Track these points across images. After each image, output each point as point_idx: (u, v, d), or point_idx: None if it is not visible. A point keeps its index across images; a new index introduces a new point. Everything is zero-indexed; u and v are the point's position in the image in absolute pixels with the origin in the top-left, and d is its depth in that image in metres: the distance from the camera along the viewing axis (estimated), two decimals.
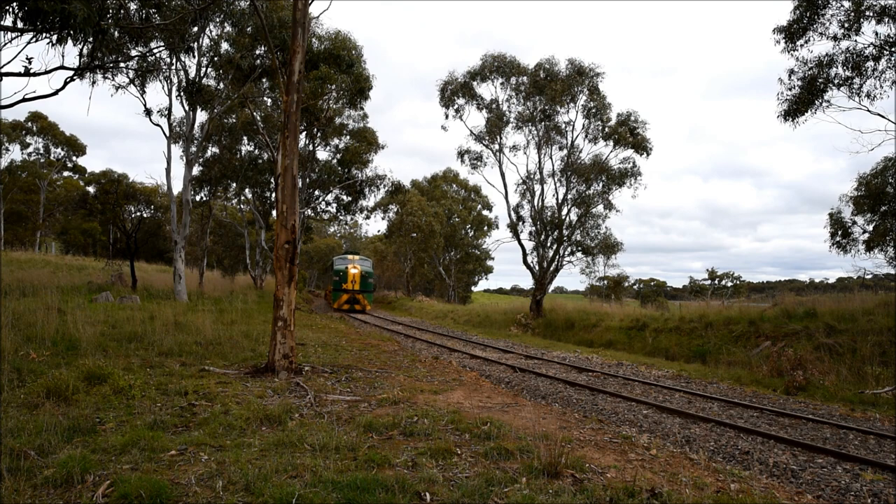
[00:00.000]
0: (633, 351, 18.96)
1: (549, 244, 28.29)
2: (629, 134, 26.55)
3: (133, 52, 17.64)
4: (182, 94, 21.20)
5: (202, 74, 21.42)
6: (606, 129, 27.30)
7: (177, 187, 36.09)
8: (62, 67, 13.68)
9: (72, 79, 14.71)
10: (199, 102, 21.73)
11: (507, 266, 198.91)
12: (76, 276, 24.82)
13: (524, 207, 29.72)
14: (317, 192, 32.16)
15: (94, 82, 16.07)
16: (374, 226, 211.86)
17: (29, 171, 46.80)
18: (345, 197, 33.03)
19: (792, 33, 17.14)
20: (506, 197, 30.41)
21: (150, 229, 46.77)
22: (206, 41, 21.23)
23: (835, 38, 16.60)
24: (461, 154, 31.35)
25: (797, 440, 6.95)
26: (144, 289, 22.23)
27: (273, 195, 30.52)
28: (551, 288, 29.83)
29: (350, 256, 34.88)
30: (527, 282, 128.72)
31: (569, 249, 28.44)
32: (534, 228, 28.55)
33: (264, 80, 23.57)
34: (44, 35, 12.21)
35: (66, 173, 53.20)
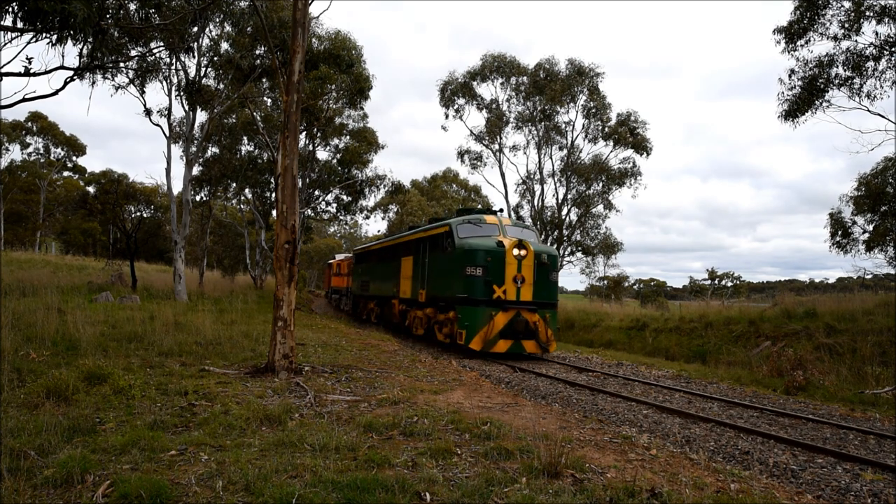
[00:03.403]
0: (633, 351, 18.97)
1: (549, 244, 28.32)
2: (629, 134, 26.58)
3: (133, 52, 17.68)
4: (182, 94, 21.22)
5: (202, 74, 21.44)
6: (606, 129, 27.33)
7: (177, 187, 36.11)
8: (62, 67, 13.70)
9: (72, 79, 14.73)
10: (199, 102, 21.74)
11: None
12: (76, 276, 24.82)
13: (524, 207, 29.80)
14: (317, 192, 32.15)
15: (93, 82, 16.11)
16: (374, 226, 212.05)
17: (29, 171, 46.85)
18: (345, 197, 33.01)
19: (792, 34, 17.18)
20: (506, 197, 30.47)
21: (150, 229, 46.76)
22: (205, 41, 21.26)
23: (835, 38, 16.64)
24: (461, 154, 31.44)
25: (797, 440, 6.95)
26: (144, 289, 22.23)
27: (273, 195, 30.46)
28: None
29: (489, 218, 15.09)
30: None
31: (569, 249, 28.50)
32: None
33: (264, 80, 23.58)
34: (44, 35, 12.22)
35: (66, 173, 53.28)
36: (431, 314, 15.75)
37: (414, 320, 17.27)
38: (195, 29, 19.67)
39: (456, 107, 30.24)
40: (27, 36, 12.49)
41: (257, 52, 21.88)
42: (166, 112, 22.12)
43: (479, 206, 25.30)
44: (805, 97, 17.15)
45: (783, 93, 17.60)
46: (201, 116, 24.16)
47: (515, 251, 13.38)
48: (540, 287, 13.70)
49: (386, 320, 20.69)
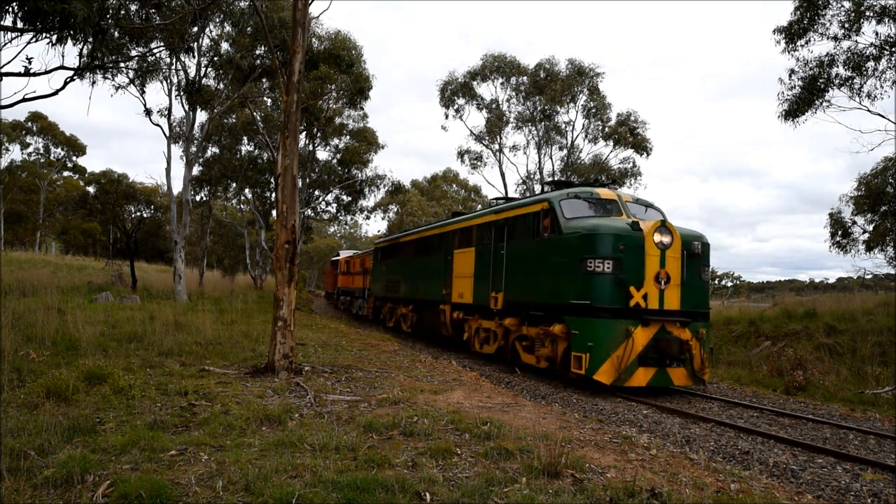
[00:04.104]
0: None
1: None
2: (629, 134, 26.59)
3: (133, 53, 17.68)
4: (182, 94, 21.23)
5: (202, 74, 21.45)
6: (606, 129, 27.35)
7: (177, 187, 36.05)
8: (62, 67, 13.70)
9: (72, 79, 14.73)
10: (199, 102, 21.75)
11: None
12: (76, 276, 24.82)
13: None
14: (317, 192, 32.16)
15: (93, 82, 16.12)
16: (374, 226, 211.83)
17: (29, 171, 46.92)
18: (345, 197, 33.02)
19: (792, 34, 17.20)
20: (506, 197, 30.47)
21: (150, 229, 46.74)
22: (206, 41, 21.28)
23: (835, 38, 16.66)
24: (461, 154, 31.44)
25: (797, 440, 6.95)
26: (144, 289, 22.24)
27: (273, 195, 30.39)
28: None
29: (604, 192, 10.78)
30: None
31: None
32: None
33: (264, 80, 23.58)
34: (44, 35, 12.23)
35: (66, 173, 53.37)
36: (512, 326, 11.52)
37: (478, 333, 13.13)
38: (195, 29, 19.68)
39: (456, 107, 30.26)
40: (27, 36, 12.51)
41: (257, 52, 21.88)
42: (166, 112, 22.15)
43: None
44: (805, 97, 17.16)
45: (783, 93, 17.63)
46: (201, 116, 24.21)
47: (657, 237, 9.26)
48: (690, 289, 9.56)
49: (429, 331, 16.33)
